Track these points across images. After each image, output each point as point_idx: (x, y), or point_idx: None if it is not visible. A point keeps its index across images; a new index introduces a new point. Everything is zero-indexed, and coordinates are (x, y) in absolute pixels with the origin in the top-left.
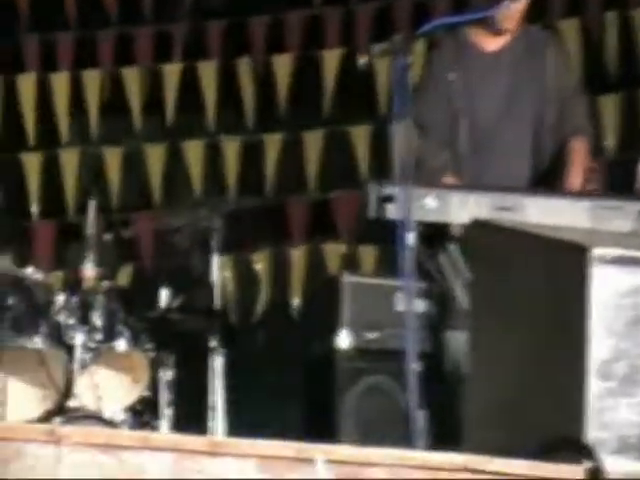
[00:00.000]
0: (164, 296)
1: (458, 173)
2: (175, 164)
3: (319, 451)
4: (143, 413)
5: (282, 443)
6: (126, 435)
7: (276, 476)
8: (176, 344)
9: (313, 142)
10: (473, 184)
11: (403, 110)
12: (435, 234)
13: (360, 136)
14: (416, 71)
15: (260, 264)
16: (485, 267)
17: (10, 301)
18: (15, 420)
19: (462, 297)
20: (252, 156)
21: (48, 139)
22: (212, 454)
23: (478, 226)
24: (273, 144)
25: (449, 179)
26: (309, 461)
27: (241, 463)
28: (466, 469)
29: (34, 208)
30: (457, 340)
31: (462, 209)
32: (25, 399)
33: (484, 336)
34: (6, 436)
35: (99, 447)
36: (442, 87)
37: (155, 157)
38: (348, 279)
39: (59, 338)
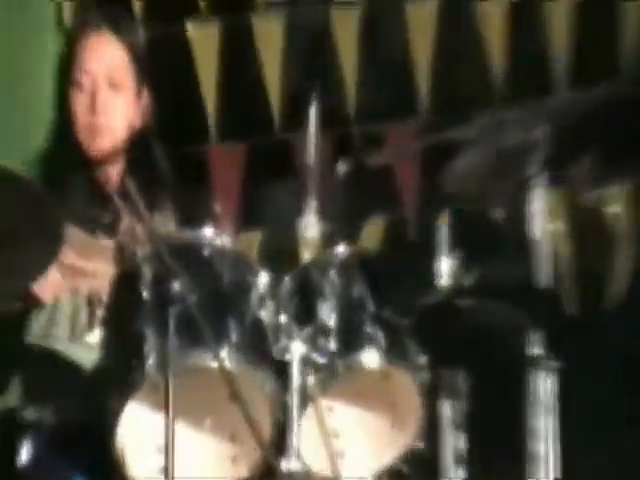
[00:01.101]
0: (445, 269)
1: None
2: None
3: None
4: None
5: None
6: None
7: None
8: (469, 353)
9: None
10: None
11: None
12: None
13: None
14: None
15: (616, 204)
16: None
17: (176, 288)
18: None
19: None
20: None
21: None
22: None
23: None
24: None
25: None
26: None
27: None
28: None
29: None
30: None
31: None
32: (200, 461)
33: None
34: None
35: None
36: None
37: None
38: None
39: (260, 349)
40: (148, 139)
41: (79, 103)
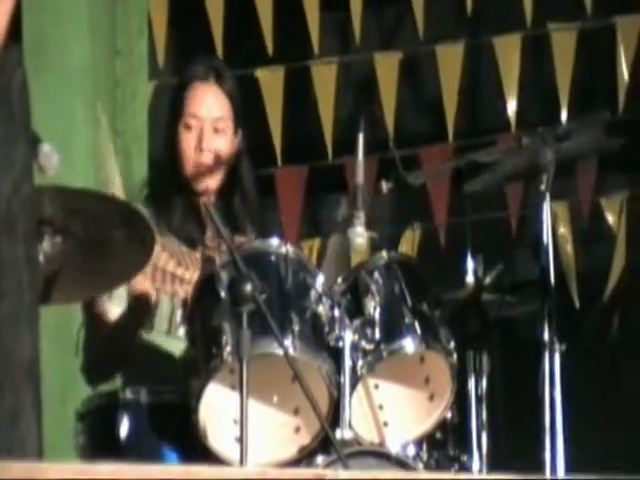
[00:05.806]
0: (470, 268)
1: None
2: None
3: None
4: (446, 445)
5: None
6: None
7: None
8: (491, 340)
9: None
10: None
11: None
12: None
13: None
14: None
15: (612, 213)
16: None
17: (247, 288)
18: (261, 463)
19: None
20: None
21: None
22: None
23: None
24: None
25: None
26: None
27: None
28: None
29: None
30: None
31: None
32: (269, 432)
33: None
34: None
35: None
36: None
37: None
38: None
39: (318, 338)
40: (240, 167)
41: (187, 141)
